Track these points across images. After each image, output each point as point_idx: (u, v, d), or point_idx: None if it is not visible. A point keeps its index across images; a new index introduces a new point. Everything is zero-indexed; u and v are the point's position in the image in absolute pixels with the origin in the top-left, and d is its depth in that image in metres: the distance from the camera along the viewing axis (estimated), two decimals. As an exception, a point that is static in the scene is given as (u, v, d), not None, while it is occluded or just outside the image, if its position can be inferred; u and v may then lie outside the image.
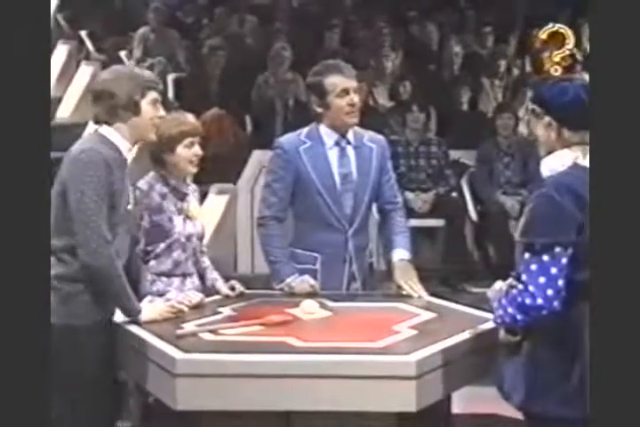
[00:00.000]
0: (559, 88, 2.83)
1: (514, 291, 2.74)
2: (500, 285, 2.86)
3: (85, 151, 3.19)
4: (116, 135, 3.27)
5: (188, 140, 3.66)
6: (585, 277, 2.66)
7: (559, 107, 2.81)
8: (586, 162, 2.77)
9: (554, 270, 2.67)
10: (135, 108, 3.26)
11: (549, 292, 2.67)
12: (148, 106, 3.28)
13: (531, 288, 2.68)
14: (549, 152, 2.85)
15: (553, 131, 2.83)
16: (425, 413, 2.83)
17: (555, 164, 2.81)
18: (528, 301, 2.68)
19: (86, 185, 3.14)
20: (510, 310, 2.73)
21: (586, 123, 2.72)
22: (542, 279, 2.67)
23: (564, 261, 2.68)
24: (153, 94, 3.30)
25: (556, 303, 2.67)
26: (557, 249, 2.68)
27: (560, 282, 2.67)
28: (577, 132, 2.80)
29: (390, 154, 4.04)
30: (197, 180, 4.03)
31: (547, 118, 2.84)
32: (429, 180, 7.40)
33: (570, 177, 2.76)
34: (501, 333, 2.83)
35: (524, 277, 2.70)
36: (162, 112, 3.33)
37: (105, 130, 3.28)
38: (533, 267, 2.69)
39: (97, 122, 3.32)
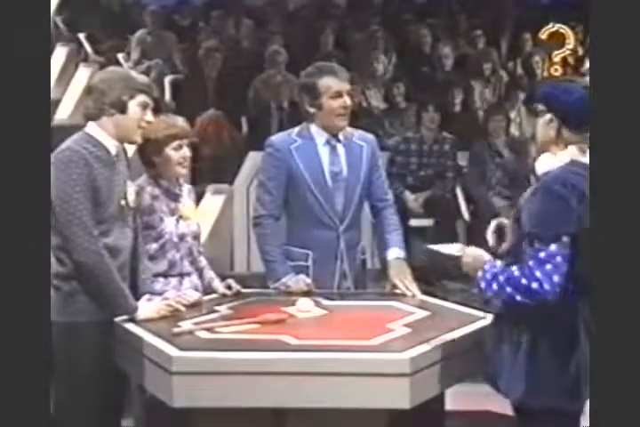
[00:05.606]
0: (564, 87, 2.88)
1: (515, 272, 2.78)
2: (472, 251, 2.93)
3: (62, 151, 3.23)
4: (101, 133, 3.30)
5: (175, 143, 3.67)
6: (579, 269, 2.73)
7: (563, 105, 2.84)
8: (583, 159, 2.81)
9: (559, 259, 2.74)
10: (122, 107, 3.29)
11: (555, 278, 2.73)
12: (136, 107, 3.31)
13: (538, 274, 2.73)
14: (543, 151, 2.89)
15: (552, 129, 2.87)
16: (419, 410, 2.84)
17: (550, 162, 2.86)
18: (535, 285, 2.73)
19: (66, 183, 3.18)
20: (509, 289, 2.77)
21: (586, 124, 2.75)
22: (549, 266, 2.73)
23: (569, 250, 2.74)
24: (143, 98, 3.32)
25: (559, 290, 2.73)
26: (564, 239, 2.74)
27: (565, 269, 2.74)
28: (576, 133, 2.84)
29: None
30: (194, 180, 4.05)
31: (548, 116, 2.87)
32: (435, 178, 7.41)
33: (569, 173, 2.80)
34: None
35: (531, 262, 2.75)
36: (150, 117, 3.35)
37: (90, 128, 3.32)
38: (542, 255, 2.74)
39: (86, 119, 3.34)
